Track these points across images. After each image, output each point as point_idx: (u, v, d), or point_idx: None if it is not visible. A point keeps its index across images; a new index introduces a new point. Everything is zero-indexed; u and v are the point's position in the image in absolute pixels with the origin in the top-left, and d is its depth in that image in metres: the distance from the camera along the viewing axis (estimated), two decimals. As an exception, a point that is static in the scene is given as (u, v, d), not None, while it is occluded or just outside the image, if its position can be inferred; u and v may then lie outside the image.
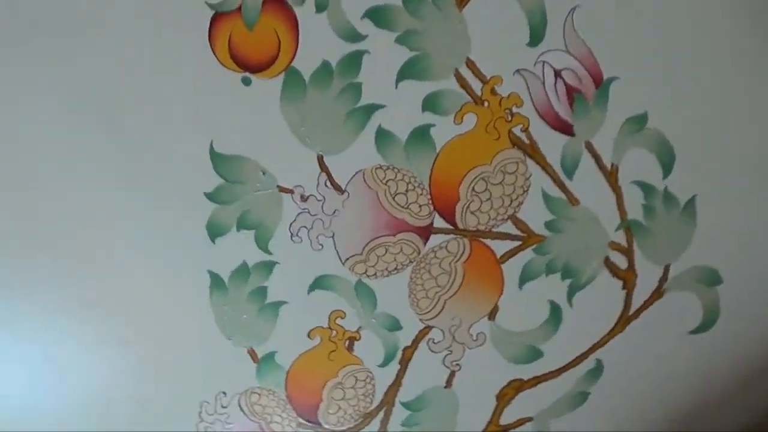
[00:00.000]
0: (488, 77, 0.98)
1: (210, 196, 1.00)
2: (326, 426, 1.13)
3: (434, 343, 1.09)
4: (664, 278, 1.09)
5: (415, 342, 1.09)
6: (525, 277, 1.06)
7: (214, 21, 0.94)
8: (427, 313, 1.07)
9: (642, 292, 1.09)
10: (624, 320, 1.10)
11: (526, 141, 1.01)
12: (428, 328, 1.08)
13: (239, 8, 0.94)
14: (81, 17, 0.93)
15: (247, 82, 0.97)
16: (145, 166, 0.99)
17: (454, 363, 1.10)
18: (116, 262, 1.03)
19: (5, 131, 0.97)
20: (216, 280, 1.05)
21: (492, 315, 1.08)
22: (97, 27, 0.94)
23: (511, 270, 1.06)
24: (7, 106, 0.96)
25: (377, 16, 0.95)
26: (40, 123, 0.97)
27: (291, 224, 1.02)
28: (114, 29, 0.94)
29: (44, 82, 0.95)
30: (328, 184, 1.01)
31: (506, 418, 1.14)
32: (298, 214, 1.02)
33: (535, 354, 1.10)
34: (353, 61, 0.97)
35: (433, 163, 1.01)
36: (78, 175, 1.00)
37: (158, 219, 1.01)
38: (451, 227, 1.04)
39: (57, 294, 1.04)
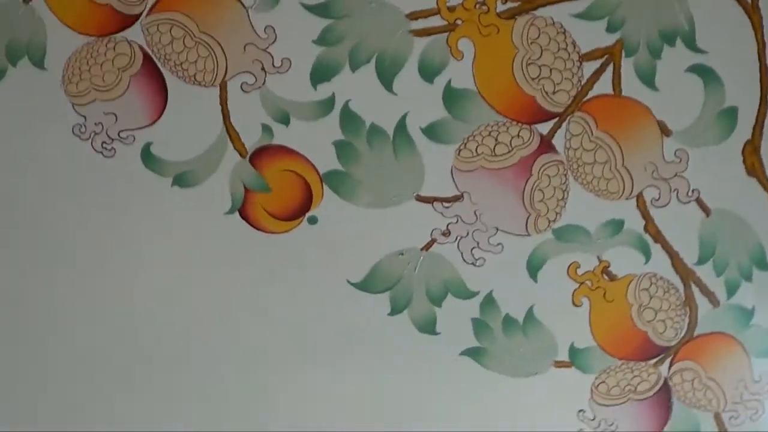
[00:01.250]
0: (435, 5, 0.95)
1: (393, 311, 1.00)
2: (674, 343, 1.06)
3: (656, 200, 1.02)
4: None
5: (645, 217, 1.02)
6: (647, 79, 0.98)
7: (241, 214, 0.98)
8: (622, 190, 1.00)
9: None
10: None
11: (516, 3, 0.96)
12: (638, 196, 1.01)
13: (244, 187, 0.97)
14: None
15: (313, 221, 0.98)
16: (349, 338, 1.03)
17: (689, 193, 1.02)
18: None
19: None
20: (477, 354, 1.03)
21: (665, 131, 1.00)
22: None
23: (632, 85, 0.99)
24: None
25: (321, 73, 0.96)
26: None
27: (463, 257, 1.00)
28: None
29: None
30: (446, 204, 0.99)
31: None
32: (458, 244, 1.00)
33: (731, 113, 1.01)
34: (350, 117, 0.97)
35: (484, 100, 0.97)
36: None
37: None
38: (555, 118, 0.99)
39: None
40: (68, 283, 1.01)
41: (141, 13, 0.97)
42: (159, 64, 0.99)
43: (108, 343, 1.02)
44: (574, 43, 0.97)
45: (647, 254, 1.02)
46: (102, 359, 1.03)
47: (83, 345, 1.03)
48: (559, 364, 1.04)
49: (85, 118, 0.99)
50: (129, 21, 0.98)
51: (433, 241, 0.99)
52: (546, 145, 0.99)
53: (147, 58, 0.99)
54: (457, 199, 0.99)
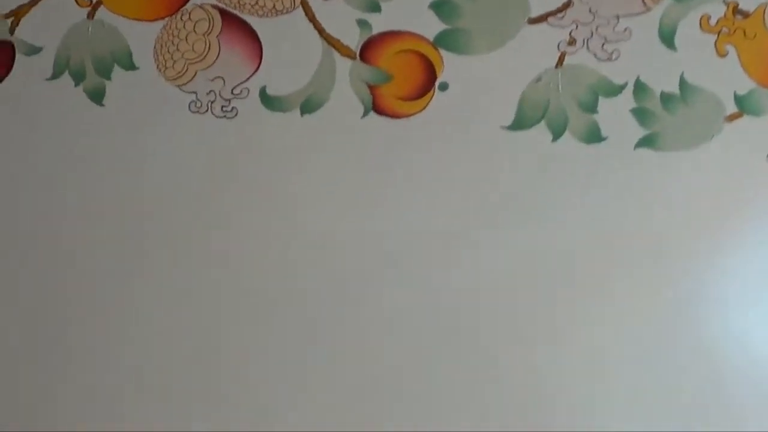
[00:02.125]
0: None
1: (555, 136, 0.99)
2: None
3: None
4: None
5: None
6: None
7: (377, 111, 0.99)
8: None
9: None
10: None
11: None
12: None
13: (367, 86, 0.98)
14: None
15: (444, 87, 0.98)
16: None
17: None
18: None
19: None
20: (650, 141, 1.00)
21: None
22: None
23: None
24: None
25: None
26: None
27: (597, 56, 0.98)
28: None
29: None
30: (559, 15, 0.97)
31: None
32: (587, 47, 0.98)
33: None
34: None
35: None
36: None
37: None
38: None
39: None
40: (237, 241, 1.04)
41: (198, -25, 0.99)
42: (237, 13, 0.99)
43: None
44: None
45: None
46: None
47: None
48: (730, 118, 1.01)
49: (195, 93, 1.00)
50: (191, -12, 0.99)
51: (563, 54, 0.98)
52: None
53: (224, 13, 0.99)
54: (567, 6, 0.97)
